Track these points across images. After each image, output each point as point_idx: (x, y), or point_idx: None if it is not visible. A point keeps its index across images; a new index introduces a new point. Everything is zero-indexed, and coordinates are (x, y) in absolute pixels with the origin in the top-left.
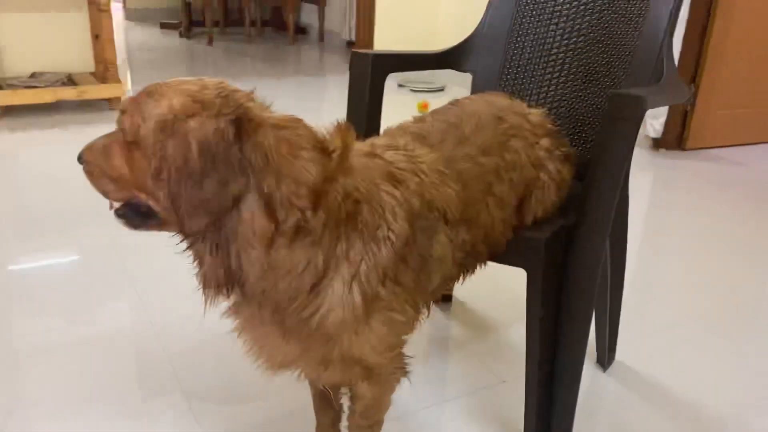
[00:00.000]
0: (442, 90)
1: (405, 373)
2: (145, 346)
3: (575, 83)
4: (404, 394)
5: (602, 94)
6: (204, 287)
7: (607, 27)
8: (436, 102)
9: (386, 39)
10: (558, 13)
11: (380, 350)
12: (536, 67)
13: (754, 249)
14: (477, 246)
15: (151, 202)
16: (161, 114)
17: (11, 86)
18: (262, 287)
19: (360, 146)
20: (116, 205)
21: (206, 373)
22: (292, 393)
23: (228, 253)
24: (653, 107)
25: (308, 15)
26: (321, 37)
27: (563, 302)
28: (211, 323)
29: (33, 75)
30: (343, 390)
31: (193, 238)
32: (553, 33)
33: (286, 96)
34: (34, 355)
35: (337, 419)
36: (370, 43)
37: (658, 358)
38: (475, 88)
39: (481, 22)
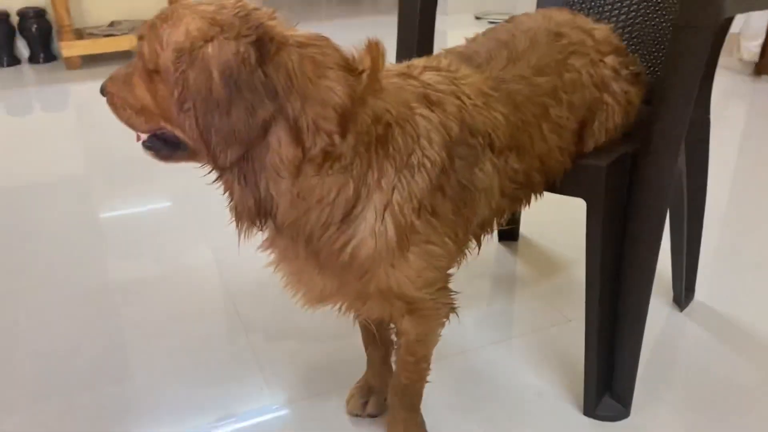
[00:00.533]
0: None
1: (452, 310)
2: (212, 284)
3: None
4: (470, 330)
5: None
6: (236, 219)
7: None
8: None
9: None
10: None
11: (420, 285)
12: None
13: None
14: (531, 175)
15: (177, 133)
16: (178, 41)
17: (91, 35)
18: (293, 218)
19: (394, 67)
20: (143, 136)
21: (268, 311)
22: (352, 333)
23: (257, 183)
24: (735, 13)
25: None
26: None
27: (627, 233)
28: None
29: (112, 24)
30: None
31: (219, 172)
32: None
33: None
34: (124, 292)
35: (388, 356)
36: None
37: (742, 300)
38: (541, 5)
39: None
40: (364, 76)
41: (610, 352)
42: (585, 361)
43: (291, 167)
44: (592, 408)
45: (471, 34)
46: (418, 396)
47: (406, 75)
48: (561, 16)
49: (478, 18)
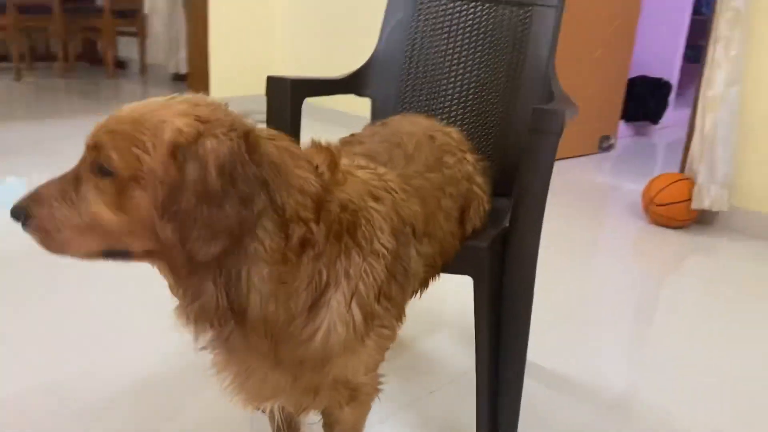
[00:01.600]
0: None
1: (379, 392)
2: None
3: (472, 104)
4: None
5: (496, 112)
6: (197, 320)
7: (495, 49)
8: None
9: (222, 69)
10: (452, 39)
11: (371, 368)
12: (432, 90)
13: None
14: (436, 258)
15: (136, 245)
16: (171, 139)
17: None
18: (267, 311)
19: None
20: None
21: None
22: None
23: (237, 276)
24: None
25: (125, 48)
26: (143, 70)
27: (504, 306)
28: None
29: None
30: (310, 419)
31: (189, 271)
32: (446, 58)
33: None
34: None
35: None
36: (205, 74)
37: (570, 358)
38: (375, 112)
39: (375, 50)
40: (324, 169)
41: (495, 404)
42: (477, 413)
43: (276, 256)
44: None
45: None
46: None
47: (347, 172)
48: (425, 121)
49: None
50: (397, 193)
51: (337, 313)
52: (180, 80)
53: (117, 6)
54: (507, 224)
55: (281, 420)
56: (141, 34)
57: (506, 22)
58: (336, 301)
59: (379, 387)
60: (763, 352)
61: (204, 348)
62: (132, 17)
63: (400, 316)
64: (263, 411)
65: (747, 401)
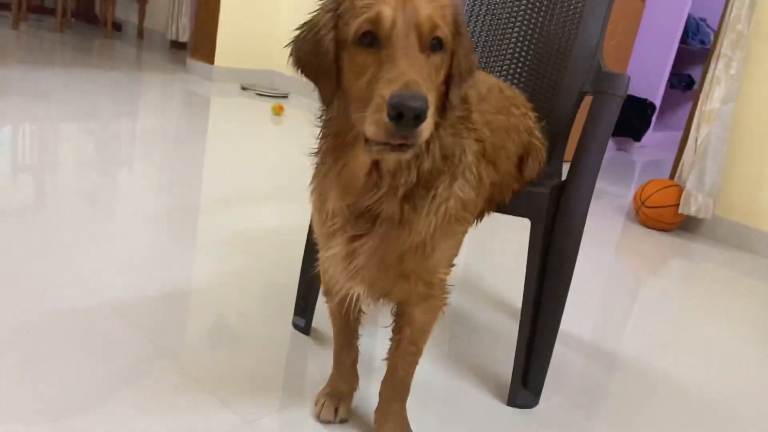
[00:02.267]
0: (286, 96)
1: (446, 303)
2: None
3: (526, 74)
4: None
5: (546, 83)
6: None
7: (549, 26)
8: (287, 106)
9: (228, 41)
10: (510, 13)
11: (446, 263)
12: (489, 58)
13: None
14: (494, 191)
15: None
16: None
17: None
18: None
19: None
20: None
21: (180, 334)
22: (286, 345)
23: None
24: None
25: (122, 11)
26: (140, 34)
27: (553, 250)
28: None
29: None
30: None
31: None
32: (504, 29)
33: (112, 88)
34: None
35: (356, 360)
36: (212, 44)
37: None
38: None
39: None
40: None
41: (529, 354)
42: (514, 362)
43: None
44: (513, 399)
45: (237, 104)
46: (408, 388)
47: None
48: (490, 78)
49: (244, 89)
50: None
51: (455, 188)
52: (178, 47)
53: None
54: (559, 181)
55: (353, 310)
56: None
57: (561, 4)
58: (458, 179)
59: (446, 298)
60: (721, 349)
61: (341, 225)
62: None
63: (473, 216)
64: (346, 296)
65: (703, 404)
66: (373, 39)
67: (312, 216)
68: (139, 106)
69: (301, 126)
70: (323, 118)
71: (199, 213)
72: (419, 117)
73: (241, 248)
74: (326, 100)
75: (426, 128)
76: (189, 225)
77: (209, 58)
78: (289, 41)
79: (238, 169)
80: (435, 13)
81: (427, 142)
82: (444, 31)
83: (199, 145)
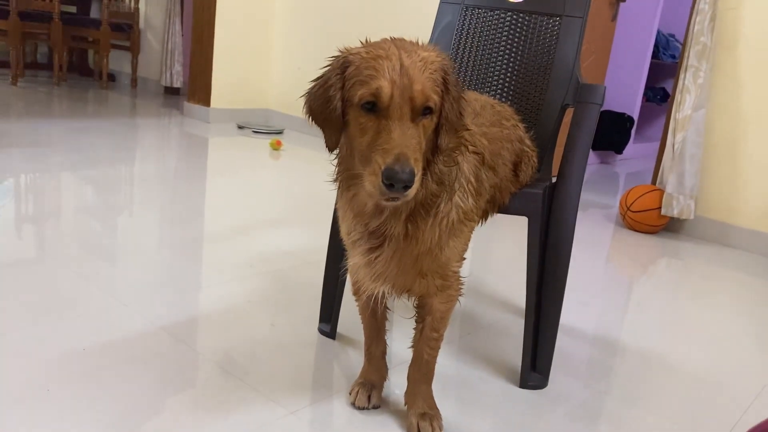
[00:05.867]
0: (281, 132)
1: (461, 293)
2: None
3: (512, 93)
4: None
5: (530, 101)
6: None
7: (530, 51)
8: (283, 140)
9: (222, 84)
10: (494, 41)
11: (457, 258)
12: (477, 82)
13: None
14: (495, 194)
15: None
16: (444, 75)
17: None
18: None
19: None
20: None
21: (215, 338)
22: (313, 344)
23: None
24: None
25: (116, 62)
26: (134, 83)
27: (549, 241)
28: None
29: None
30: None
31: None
32: (489, 56)
33: (110, 136)
34: None
35: (385, 351)
36: (207, 88)
37: (611, 318)
38: None
39: None
40: None
41: (536, 339)
42: (523, 347)
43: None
44: (525, 381)
45: (234, 142)
46: (432, 371)
47: None
48: (482, 96)
49: (240, 127)
50: (471, 128)
51: (455, 202)
52: (172, 93)
53: (113, 19)
54: (550, 182)
55: (379, 305)
56: (134, 48)
57: (539, 29)
58: (456, 197)
59: (461, 287)
60: (712, 335)
61: (358, 239)
62: (127, 31)
63: (476, 218)
64: (372, 294)
65: (701, 381)
66: (373, 105)
67: (339, 226)
68: (138, 150)
69: (297, 159)
70: (337, 153)
71: (215, 242)
72: (407, 186)
73: (260, 270)
74: (330, 147)
75: (413, 190)
76: (208, 253)
77: (205, 100)
78: (304, 93)
79: (244, 200)
80: (426, 83)
81: (423, 175)
82: (434, 99)
83: (202, 182)
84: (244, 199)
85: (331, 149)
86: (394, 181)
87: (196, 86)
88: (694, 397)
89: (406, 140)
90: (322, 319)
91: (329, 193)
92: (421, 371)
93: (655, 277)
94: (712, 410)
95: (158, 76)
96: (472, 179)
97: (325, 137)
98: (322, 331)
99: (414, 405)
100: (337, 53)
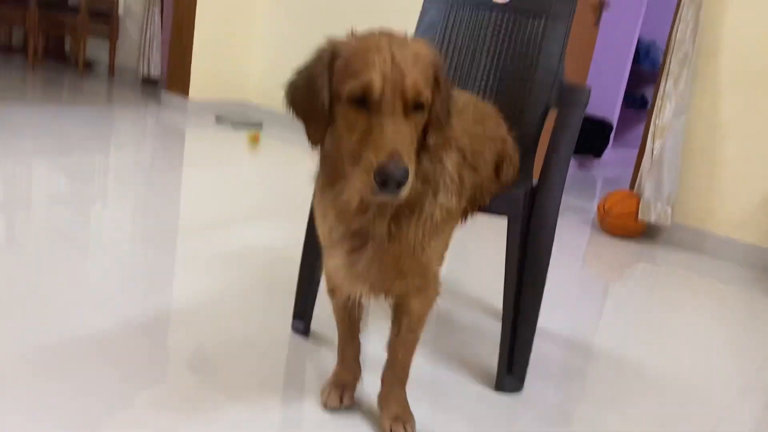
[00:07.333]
0: (260, 125)
1: (439, 293)
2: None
3: (494, 93)
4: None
5: (514, 101)
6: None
7: (514, 50)
8: (262, 134)
9: (202, 74)
10: (478, 40)
11: (438, 258)
12: (458, 81)
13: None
14: (475, 193)
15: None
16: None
17: None
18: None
19: None
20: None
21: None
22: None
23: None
24: None
25: (94, 49)
26: (111, 71)
27: (530, 244)
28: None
29: None
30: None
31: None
32: (472, 54)
33: (85, 123)
34: None
35: (359, 352)
36: (186, 77)
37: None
38: None
39: None
40: None
41: (513, 343)
42: (500, 350)
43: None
44: (500, 385)
45: (212, 135)
46: (407, 373)
47: None
48: (464, 94)
49: (219, 119)
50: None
51: (440, 202)
52: (150, 83)
53: (92, 6)
54: (532, 184)
55: (356, 307)
56: (112, 35)
57: (524, 29)
58: (441, 195)
59: (439, 290)
60: (686, 341)
61: (339, 239)
62: (106, 18)
63: (458, 217)
64: (352, 296)
65: (673, 385)
66: (364, 100)
67: (316, 225)
68: (113, 139)
69: (275, 153)
70: (319, 149)
71: (189, 235)
72: (401, 184)
73: (234, 264)
74: (314, 141)
75: (407, 189)
76: (181, 246)
77: (184, 91)
78: (285, 84)
79: (220, 194)
80: (419, 78)
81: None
82: (425, 95)
83: (178, 174)
84: (220, 193)
85: (314, 144)
86: (388, 180)
87: (175, 76)
88: (669, 402)
89: (399, 137)
90: (295, 316)
91: (306, 188)
92: (396, 373)
93: (630, 282)
94: (686, 416)
95: (136, 65)
96: (456, 177)
97: (307, 131)
98: (295, 329)
99: (387, 408)
100: (324, 43)
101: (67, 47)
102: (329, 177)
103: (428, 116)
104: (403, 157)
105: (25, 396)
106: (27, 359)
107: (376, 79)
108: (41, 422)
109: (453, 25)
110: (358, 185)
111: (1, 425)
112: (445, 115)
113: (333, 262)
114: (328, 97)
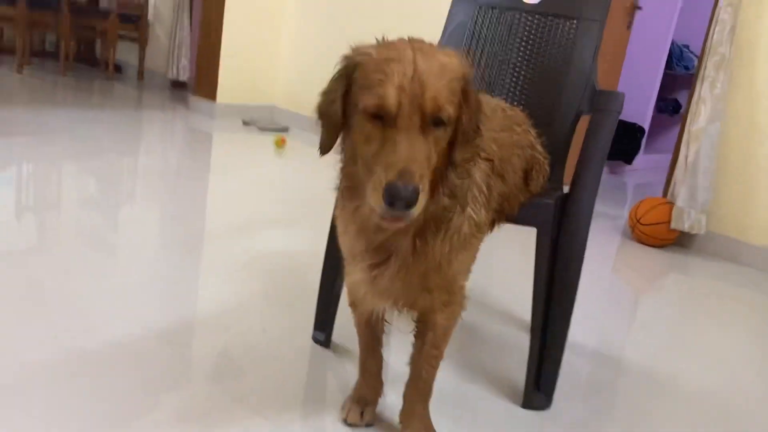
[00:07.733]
0: (286, 130)
1: (464, 308)
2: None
3: (524, 97)
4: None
5: (543, 106)
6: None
7: (545, 53)
8: (288, 138)
9: (229, 79)
10: (507, 43)
11: (465, 272)
12: (487, 83)
13: None
14: (503, 202)
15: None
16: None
17: None
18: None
19: None
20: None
21: (200, 357)
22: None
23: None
24: None
25: (124, 53)
26: (140, 75)
27: (560, 257)
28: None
29: None
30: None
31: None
32: (501, 57)
33: (115, 127)
34: None
35: (381, 367)
36: (214, 82)
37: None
38: None
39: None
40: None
41: (541, 358)
42: (527, 366)
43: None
44: (528, 401)
45: (239, 139)
46: (430, 390)
47: None
48: (492, 99)
49: (246, 124)
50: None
51: (467, 216)
52: (178, 87)
53: (122, 10)
54: (562, 192)
55: (378, 322)
56: (142, 39)
57: (555, 31)
58: (469, 210)
59: (464, 305)
60: (718, 355)
61: (361, 253)
62: (135, 23)
63: (486, 230)
64: (377, 311)
65: (708, 402)
66: (380, 113)
67: (338, 238)
68: (142, 143)
69: (301, 158)
70: (341, 158)
71: (214, 240)
72: (410, 204)
73: (257, 271)
74: (322, 150)
75: (417, 209)
76: (206, 252)
77: (211, 95)
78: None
79: (246, 199)
80: (441, 92)
81: (434, 189)
82: (447, 111)
83: (204, 178)
84: (246, 197)
85: (322, 152)
86: (395, 199)
87: (203, 80)
88: (702, 420)
89: (413, 154)
90: (316, 327)
91: (331, 195)
92: (419, 390)
93: (662, 292)
94: None
95: (165, 69)
96: (484, 188)
97: (320, 139)
98: (316, 340)
99: (409, 425)
100: (347, 52)
101: (97, 51)
102: (350, 190)
103: (454, 131)
104: (414, 176)
105: (48, 399)
106: (51, 362)
107: (391, 94)
108: (63, 427)
109: (482, 27)
110: (370, 202)
111: (23, 428)
112: (473, 130)
113: (354, 276)
114: (340, 108)
